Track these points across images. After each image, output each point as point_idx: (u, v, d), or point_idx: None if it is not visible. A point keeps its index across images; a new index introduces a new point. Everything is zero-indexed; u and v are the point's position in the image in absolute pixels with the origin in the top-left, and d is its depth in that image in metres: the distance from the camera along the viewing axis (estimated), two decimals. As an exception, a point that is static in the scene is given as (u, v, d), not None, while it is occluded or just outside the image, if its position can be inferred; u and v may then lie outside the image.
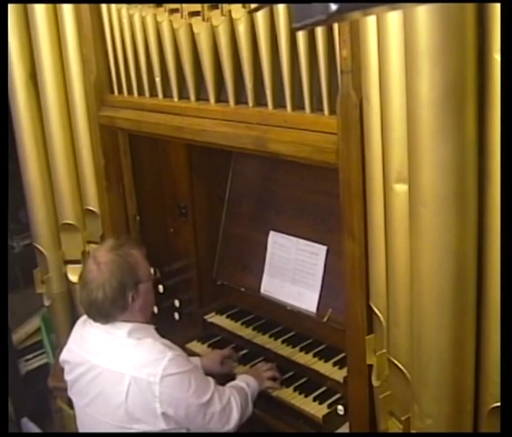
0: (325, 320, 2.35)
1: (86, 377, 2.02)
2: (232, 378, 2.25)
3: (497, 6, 1.27)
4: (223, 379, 2.23)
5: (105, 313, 1.96)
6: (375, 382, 1.80)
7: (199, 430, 2.00)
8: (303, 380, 2.35)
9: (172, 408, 1.90)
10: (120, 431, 1.95)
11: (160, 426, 1.92)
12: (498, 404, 1.44)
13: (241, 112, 2.05)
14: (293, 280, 2.49)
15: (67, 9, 2.50)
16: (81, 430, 2.14)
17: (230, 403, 2.03)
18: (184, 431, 1.99)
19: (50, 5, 2.55)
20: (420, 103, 1.35)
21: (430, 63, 1.31)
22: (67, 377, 2.11)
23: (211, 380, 2.04)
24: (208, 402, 1.96)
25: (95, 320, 2.00)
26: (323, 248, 2.39)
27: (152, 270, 2.18)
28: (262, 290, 2.59)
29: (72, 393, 2.12)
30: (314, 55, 1.79)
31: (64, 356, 2.13)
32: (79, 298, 2.03)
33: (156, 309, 2.77)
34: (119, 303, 1.95)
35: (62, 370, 2.17)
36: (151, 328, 2.05)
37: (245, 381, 2.17)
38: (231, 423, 2.03)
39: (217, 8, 2.00)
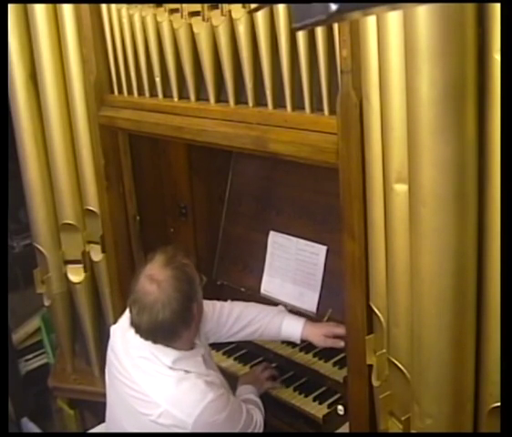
0: (325, 320, 2.35)
1: (123, 386, 1.94)
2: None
3: (497, 6, 1.27)
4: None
5: (171, 331, 1.84)
6: (375, 382, 1.80)
7: None
8: (303, 380, 2.35)
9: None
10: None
11: None
12: (498, 404, 1.44)
13: (241, 112, 2.05)
14: (293, 280, 2.49)
15: (67, 9, 2.49)
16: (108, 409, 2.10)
17: (256, 424, 2.04)
18: None
19: (50, 5, 2.55)
20: (420, 103, 1.35)
21: (430, 63, 1.31)
22: (109, 367, 2.05)
23: (244, 408, 1.99)
24: (238, 430, 1.95)
25: (155, 342, 1.87)
26: (323, 248, 2.39)
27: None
28: (262, 290, 2.59)
29: (107, 384, 2.07)
30: (314, 55, 1.79)
31: (109, 348, 2.06)
32: (137, 323, 1.86)
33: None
34: (187, 317, 1.85)
35: (63, 370, 2.15)
36: (198, 356, 1.95)
37: (251, 393, 2.17)
38: (257, 430, 2.05)
39: (217, 8, 2.00)
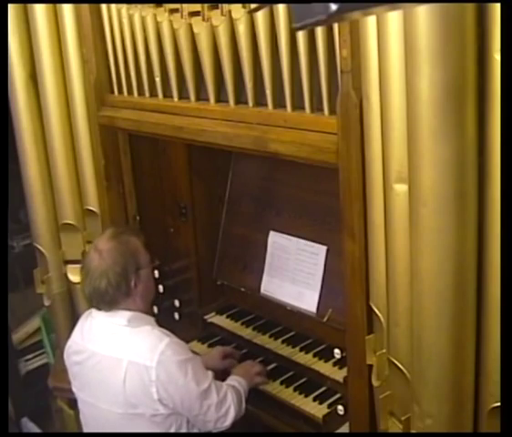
0: (325, 320, 2.35)
1: (86, 364, 2.05)
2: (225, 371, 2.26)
3: (497, 6, 1.27)
4: (222, 376, 2.23)
5: (109, 300, 1.99)
6: (375, 382, 1.80)
7: (197, 420, 2.02)
8: (303, 380, 2.35)
9: (168, 395, 1.93)
10: (123, 418, 1.97)
11: (159, 410, 1.94)
12: (498, 404, 1.44)
13: (241, 112, 2.05)
14: (293, 280, 2.49)
15: (67, 9, 2.50)
16: (84, 421, 2.16)
17: (227, 398, 2.05)
18: (184, 423, 2.01)
19: (50, 5, 2.55)
20: (420, 103, 1.35)
21: (430, 63, 1.31)
22: (70, 366, 2.13)
23: (210, 372, 2.06)
24: (205, 392, 1.98)
25: (98, 307, 2.03)
26: (323, 248, 2.39)
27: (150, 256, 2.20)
28: (262, 290, 2.59)
29: (75, 386, 2.14)
30: (314, 55, 1.79)
31: (68, 345, 2.15)
32: (83, 287, 2.06)
33: (156, 310, 2.78)
34: (123, 289, 1.99)
35: (63, 370, 2.17)
36: (151, 318, 2.09)
37: (236, 381, 2.18)
38: (229, 418, 2.05)
39: (217, 8, 2.00)
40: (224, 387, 2.08)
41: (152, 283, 2.15)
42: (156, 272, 2.80)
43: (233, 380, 2.19)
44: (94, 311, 2.07)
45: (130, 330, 1.99)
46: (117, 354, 1.96)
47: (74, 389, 2.16)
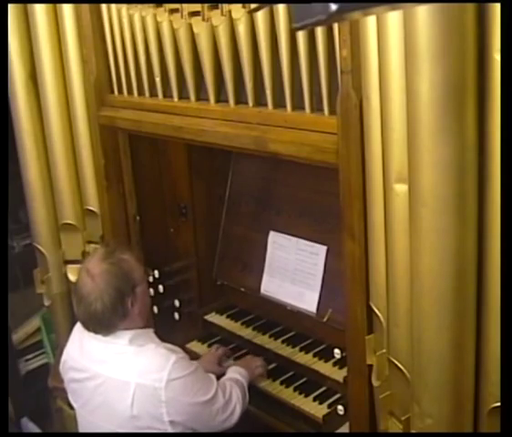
0: (325, 320, 2.35)
1: (87, 384, 2.00)
2: (224, 374, 2.25)
3: (497, 6, 1.27)
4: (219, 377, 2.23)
5: (106, 324, 1.93)
6: (375, 382, 1.80)
7: (206, 426, 2.01)
8: (303, 380, 2.35)
9: (179, 414, 1.91)
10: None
11: (167, 430, 1.92)
12: (498, 404, 1.44)
13: (241, 112, 2.05)
14: (293, 280, 2.49)
15: (67, 9, 2.50)
16: (82, 430, 2.13)
17: (232, 396, 2.05)
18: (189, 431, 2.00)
19: (50, 5, 2.55)
20: (420, 103, 1.35)
21: (430, 63, 1.31)
22: (68, 382, 2.10)
23: (213, 376, 2.05)
24: (212, 399, 1.97)
25: (96, 332, 1.97)
26: (323, 248, 2.39)
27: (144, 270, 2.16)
28: (262, 290, 2.59)
29: (73, 399, 2.11)
30: (314, 55, 1.79)
31: (64, 359, 2.12)
32: (77, 313, 1.99)
33: (156, 309, 2.78)
34: (119, 311, 1.92)
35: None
36: (151, 332, 2.04)
37: (238, 373, 2.19)
38: (235, 416, 2.05)
39: (217, 8, 2.00)
40: (228, 386, 2.07)
41: (148, 298, 2.10)
42: (156, 272, 2.80)
43: (235, 372, 2.20)
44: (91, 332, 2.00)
45: (135, 349, 1.94)
46: (124, 376, 1.91)
47: (73, 403, 2.11)
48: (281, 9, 1.79)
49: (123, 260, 1.97)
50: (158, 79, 2.31)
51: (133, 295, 1.95)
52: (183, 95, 2.26)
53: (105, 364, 1.96)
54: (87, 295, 1.91)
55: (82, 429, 2.12)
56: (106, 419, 1.96)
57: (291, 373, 2.40)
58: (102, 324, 1.93)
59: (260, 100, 2.01)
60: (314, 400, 2.24)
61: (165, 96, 2.33)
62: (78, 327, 2.09)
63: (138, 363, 1.92)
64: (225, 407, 2.01)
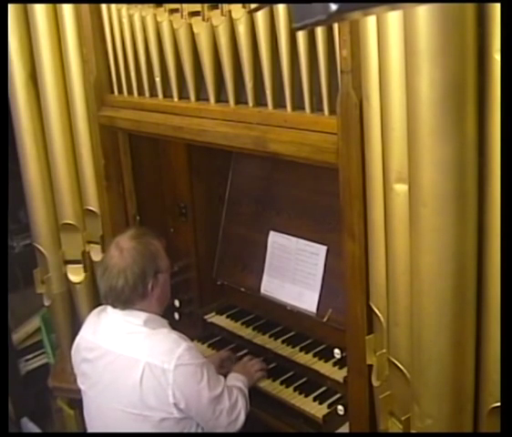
0: (325, 320, 2.35)
1: (99, 363, 2.03)
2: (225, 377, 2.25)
3: (497, 6, 1.27)
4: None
5: (124, 299, 1.98)
6: (375, 382, 1.80)
7: (209, 426, 2.02)
8: (303, 380, 2.35)
9: (184, 399, 1.93)
10: (133, 420, 1.96)
11: (172, 413, 1.94)
12: (498, 404, 1.44)
13: (241, 112, 2.05)
14: (293, 280, 2.49)
15: (67, 9, 2.49)
16: (88, 419, 2.15)
17: (238, 403, 2.07)
18: (193, 430, 2.01)
19: (50, 5, 2.54)
20: (420, 103, 1.35)
21: (430, 63, 1.31)
22: (80, 363, 2.11)
23: (222, 377, 2.07)
24: (218, 397, 1.99)
25: (113, 305, 2.02)
26: (323, 248, 2.39)
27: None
28: (262, 290, 2.59)
29: (81, 381, 2.12)
30: (314, 55, 1.79)
31: (77, 342, 2.14)
32: (98, 282, 2.05)
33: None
34: (139, 290, 1.98)
35: (63, 370, 2.17)
36: (165, 321, 2.09)
37: (240, 381, 2.19)
38: (239, 423, 2.06)
39: (217, 8, 2.00)
40: (235, 392, 2.08)
41: (168, 288, 2.14)
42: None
43: (237, 379, 2.19)
44: (108, 308, 2.05)
45: (147, 331, 1.98)
46: (134, 354, 1.95)
47: (81, 386, 2.14)
48: (281, 9, 1.79)
49: (152, 244, 2.04)
50: (158, 79, 2.31)
51: (155, 279, 2.01)
52: (183, 95, 2.27)
53: (117, 342, 2.00)
54: (112, 267, 1.98)
55: (88, 412, 2.14)
56: (113, 398, 1.99)
57: (291, 373, 2.40)
58: (120, 298, 1.98)
59: (260, 100, 2.01)
60: (314, 400, 2.25)
61: (165, 96, 2.33)
62: (94, 312, 2.15)
63: (150, 343, 1.96)
64: (230, 411, 2.02)
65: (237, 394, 2.08)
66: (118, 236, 2.10)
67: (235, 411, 2.04)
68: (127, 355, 1.96)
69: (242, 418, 2.07)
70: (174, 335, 2.00)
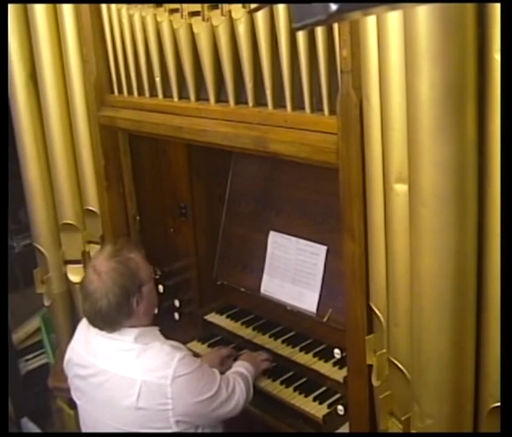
0: (325, 320, 2.35)
1: (92, 381, 2.00)
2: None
3: (497, 6, 1.27)
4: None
5: (110, 321, 1.94)
6: (375, 382, 1.80)
7: (208, 419, 2.02)
8: (303, 380, 2.35)
9: (184, 409, 1.91)
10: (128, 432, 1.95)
11: (171, 428, 1.92)
12: (498, 404, 1.44)
13: (241, 112, 2.05)
14: (293, 280, 2.49)
15: (67, 9, 2.50)
16: (85, 429, 2.14)
17: (235, 389, 2.07)
18: (193, 430, 2.01)
19: (50, 5, 2.55)
20: (420, 103, 1.35)
21: (430, 63, 1.31)
22: (72, 378, 2.10)
23: (216, 371, 2.07)
24: (215, 394, 1.99)
25: (101, 329, 1.97)
26: (323, 248, 2.39)
27: (152, 269, 2.15)
28: (262, 290, 2.59)
29: (76, 396, 2.11)
30: (314, 55, 1.79)
31: (68, 356, 2.12)
32: (82, 309, 2.00)
33: (156, 310, 2.77)
34: (125, 310, 1.93)
35: (63, 370, 2.16)
36: (156, 330, 2.05)
37: (243, 366, 2.20)
38: (238, 408, 2.07)
39: (217, 8, 2.00)
40: (231, 380, 2.08)
41: (154, 296, 2.09)
42: (157, 273, 2.80)
43: (240, 365, 2.21)
44: (97, 330, 2.00)
45: (140, 347, 1.94)
46: (129, 374, 1.91)
47: (76, 400, 2.12)
48: (281, 9, 1.79)
49: (130, 259, 1.97)
50: (158, 79, 2.31)
51: (139, 294, 1.96)
52: (183, 95, 2.27)
53: (110, 361, 1.96)
54: (93, 292, 1.91)
55: (85, 424, 2.13)
56: (110, 417, 1.97)
57: (291, 373, 2.39)
58: (107, 321, 1.94)
59: (260, 100, 2.01)
60: (314, 400, 2.24)
61: (165, 96, 2.33)
62: (83, 323, 2.09)
63: (144, 361, 1.92)
64: (228, 400, 2.02)
65: (233, 381, 2.07)
66: (94, 257, 2.04)
67: (233, 400, 2.04)
68: (122, 375, 1.93)
69: (241, 403, 2.07)
70: (167, 348, 1.95)
